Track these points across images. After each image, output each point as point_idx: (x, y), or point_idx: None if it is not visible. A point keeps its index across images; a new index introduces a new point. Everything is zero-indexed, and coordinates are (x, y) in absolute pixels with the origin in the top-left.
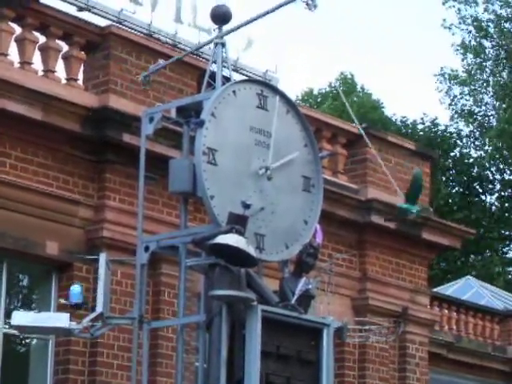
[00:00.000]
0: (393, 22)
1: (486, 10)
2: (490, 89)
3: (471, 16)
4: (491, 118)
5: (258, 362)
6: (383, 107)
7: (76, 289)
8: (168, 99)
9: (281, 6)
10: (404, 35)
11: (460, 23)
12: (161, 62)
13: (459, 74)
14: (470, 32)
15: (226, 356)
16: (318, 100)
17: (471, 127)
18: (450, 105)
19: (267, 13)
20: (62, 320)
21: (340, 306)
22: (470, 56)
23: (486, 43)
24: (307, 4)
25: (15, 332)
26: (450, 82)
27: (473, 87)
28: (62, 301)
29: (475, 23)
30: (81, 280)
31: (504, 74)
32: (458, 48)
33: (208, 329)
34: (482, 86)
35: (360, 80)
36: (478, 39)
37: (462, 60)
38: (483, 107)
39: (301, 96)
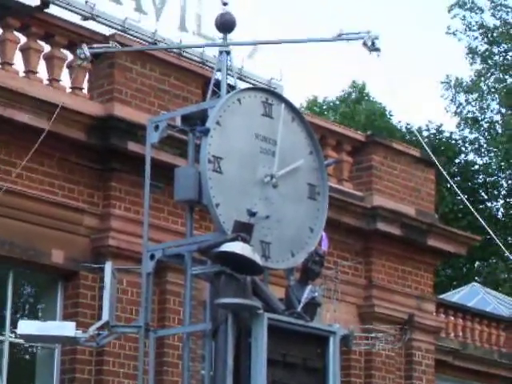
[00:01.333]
0: (399, 28)
1: (493, 15)
2: (496, 95)
3: (476, 23)
4: (497, 124)
5: (265, 370)
6: (391, 115)
7: None
8: (173, 107)
9: (328, 40)
10: (411, 42)
11: (466, 30)
12: (112, 44)
13: (465, 81)
14: (477, 38)
15: (232, 364)
16: (324, 107)
17: (476, 134)
18: (455, 112)
19: (307, 41)
20: (67, 329)
21: (346, 313)
22: (478, 61)
23: (493, 49)
24: (366, 46)
25: (21, 341)
26: (455, 90)
27: (478, 94)
28: None
29: (481, 30)
30: (87, 289)
31: (510, 80)
32: (467, 54)
33: (214, 337)
34: (489, 92)
35: (369, 88)
36: (484, 45)
37: (471, 64)
38: (489, 113)
39: (305, 104)
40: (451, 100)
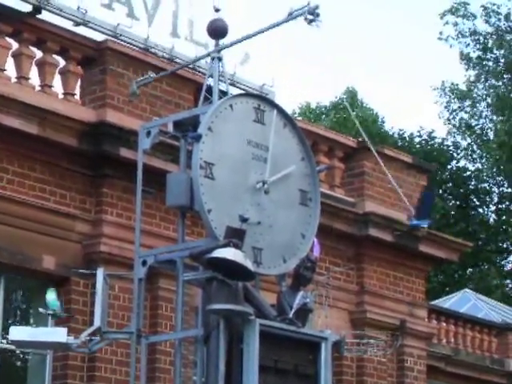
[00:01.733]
0: (391, 35)
1: (487, 22)
2: (488, 101)
3: (469, 29)
4: (489, 130)
5: (256, 377)
6: (383, 121)
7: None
8: (165, 113)
9: (281, 23)
10: (403, 49)
11: (458, 37)
12: (151, 74)
13: (459, 87)
14: (469, 45)
15: (223, 370)
16: (317, 113)
17: (469, 140)
18: (448, 119)
19: (267, 29)
20: (59, 335)
21: (338, 319)
22: (472, 68)
23: (484, 56)
24: (310, 21)
25: (13, 347)
26: (447, 96)
27: (471, 101)
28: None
29: (473, 36)
30: (78, 295)
31: (503, 87)
32: (461, 59)
33: (206, 343)
34: (481, 98)
35: (361, 94)
36: (476, 52)
37: (466, 70)
38: (481, 120)
39: (298, 110)
40: (445, 107)
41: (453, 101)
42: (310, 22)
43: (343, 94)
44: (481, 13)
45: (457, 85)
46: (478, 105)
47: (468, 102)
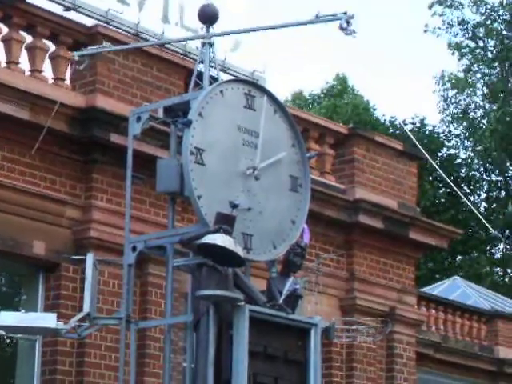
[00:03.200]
0: (382, 25)
1: (477, 10)
2: (479, 90)
3: (458, 18)
4: (480, 118)
5: (246, 362)
6: (375, 108)
7: None
8: (155, 99)
9: (306, 23)
10: (394, 37)
11: (447, 27)
12: (105, 44)
13: (457, 76)
14: (458, 34)
15: (213, 356)
16: (309, 101)
17: (461, 128)
18: (444, 109)
19: (286, 26)
20: (48, 320)
21: (327, 305)
22: (469, 57)
23: (473, 45)
24: (344, 28)
25: (2, 332)
26: (443, 85)
27: (467, 89)
28: None
29: (461, 26)
30: (68, 280)
31: (493, 76)
32: (451, 48)
33: (195, 329)
34: (472, 86)
35: (353, 81)
36: (465, 41)
37: (459, 60)
38: (473, 108)
39: (291, 97)
40: (442, 95)
41: (450, 90)
42: (344, 29)
43: (333, 80)
44: (468, 2)
45: (452, 74)
46: (471, 93)
47: (464, 91)
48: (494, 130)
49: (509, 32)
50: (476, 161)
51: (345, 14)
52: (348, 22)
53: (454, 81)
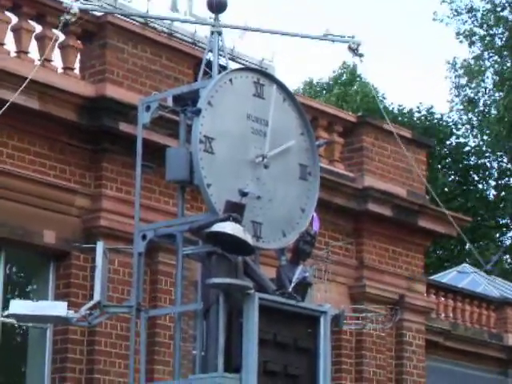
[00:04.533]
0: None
1: None
2: (488, 79)
3: (466, 6)
4: (490, 106)
5: (256, 350)
6: (384, 97)
7: None
8: (164, 88)
9: (313, 37)
10: (402, 25)
11: (455, 15)
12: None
13: (469, 63)
14: (466, 22)
15: (223, 344)
16: (318, 89)
17: (470, 115)
18: (456, 95)
19: (294, 35)
20: (59, 309)
21: (337, 293)
22: (478, 44)
23: (482, 32)
24: (353, 50)
25: (13, 321)
26: (455, 71)
27: (478, 77)
28: None
29: (469, 14)
30: (78, 269)
31: (502, 63)
32: (461, 36)
33: (205, 317)
34: (482, 74)
35: (361, 70)
36: (475, 28)
37: (470, 46)
38: (482, 95)
39: (302, 86)
40: (452, 82)
41: (461, 77)
42: (353, 50)
43: (341, 69)
44: None
45: (465, 61)
46: (479, 82)
47: (474, 79)
48: (502, 117)
49: None
50: (485, 148)
51: (352, 37)
52: (357, 47)
53: (466, 68)
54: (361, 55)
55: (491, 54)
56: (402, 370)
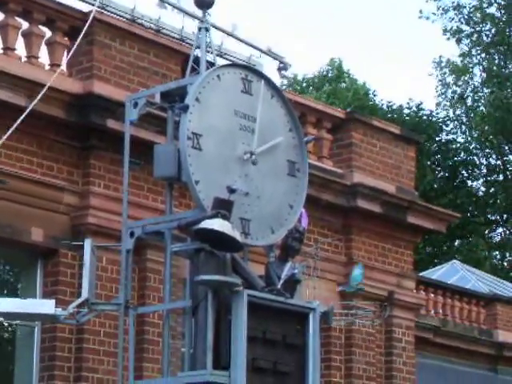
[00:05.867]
0: (377, 10)
1: None
2: (476, 76)
3: (453, 3)
4: (477, 103)
5: (245, 347)
6: (375, 94)
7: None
8: (152, 84)
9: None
10: (389, 22)
11: (442, 13)
12: None
13: (454, 62)
14: (453, 19)
15: (212, 341)
16: (304, 85)
17: (458, 112)
18: (442, 93)
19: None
20: (47, 306)
21: (326, 290)
22: (466, 42)
23: (469, 29)
24: (279, 70)
25: (0, 319)
26: (440, 69)
27: (465, 74)
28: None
29: (456, 11)
30: (66, 267)
31: (489, 60)
32: (445, 35)
33: (194, 314)
34: (470, 72)
35: (350, 67)
36: (462, 26)
37: (457, 44)
38: (470, 92)
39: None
40: (439, 80)
41: (448, 75)
42: (280, 71)
43: (328, 65)
44: None
45: (449, 59)
46: (467, 79)
47: (462, 77)
48: (488, 114)
49: (504, 16)
50: (474, 145)
51: (282, 63)
52: (285, 69)
53: (451, 66)
54: (283, 76)
55: (479, 51)
56: (391, 367)
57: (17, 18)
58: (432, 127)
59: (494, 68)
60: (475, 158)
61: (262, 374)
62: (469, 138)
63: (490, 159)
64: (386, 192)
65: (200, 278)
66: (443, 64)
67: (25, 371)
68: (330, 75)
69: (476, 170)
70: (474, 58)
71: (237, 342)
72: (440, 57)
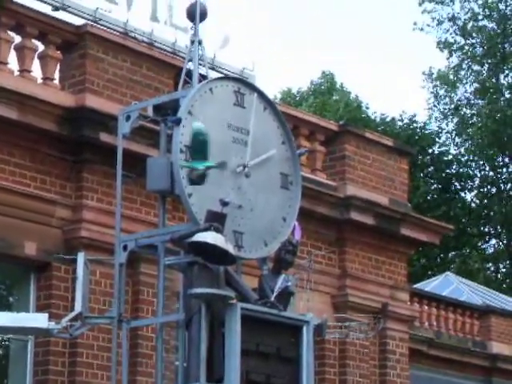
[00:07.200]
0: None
1: (462, 8)
2: (470, 87)
3: (448, 14)
4: (471, 115)
5: (238, 360)
6: (367, 107)
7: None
8: (145, 97)
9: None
10: (382, 34)
11: (437, 24)
12: None
13: (446, 74)
14: (448, 31)
15: (205, 354)
16: (297, 99)
17: (452, 125)
18: (434, 105)
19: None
20: (40, 320)
21: (320, 303)
22: (455, 54)
23: (462, 41)
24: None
25: None
26: (432, 81)
27: (453, 85)
28: None
29: (451, 22)
30: (59, 280)
31: (484, 72)
32: (440, 46)
33: (187, 327)
34: (465, 83)
35: (342, 79)
36: (456, 37)
37: (448, 58)
38: (464, 104)
39: (280, 95)
40: (431, 92)
41: (440, 87)
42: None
43: (319, 78)
44: None
45: (440, 70)
46: (461, 90)
47: (454, 88)
48: (484, 125)
49: (497, 28)
50: (467, 157)
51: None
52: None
53: (442, 79)
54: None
55: (470, 64)
56: (385, 379)
57: (9, 32)
58: (425, 139)
59: (487, 80)
60: (469, 169)
61: None
62: (462, 150)
63: (484, 171)
64: (380, 204)
65: (193, 291)
66: (434, 76)
67: None
68: (322, 88)
69: (469, 181)
70: (465, 71)
71: (230, 355)
72: (430, 68)
